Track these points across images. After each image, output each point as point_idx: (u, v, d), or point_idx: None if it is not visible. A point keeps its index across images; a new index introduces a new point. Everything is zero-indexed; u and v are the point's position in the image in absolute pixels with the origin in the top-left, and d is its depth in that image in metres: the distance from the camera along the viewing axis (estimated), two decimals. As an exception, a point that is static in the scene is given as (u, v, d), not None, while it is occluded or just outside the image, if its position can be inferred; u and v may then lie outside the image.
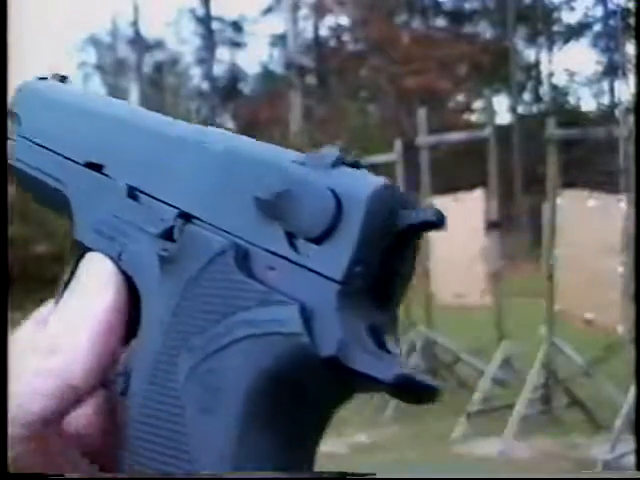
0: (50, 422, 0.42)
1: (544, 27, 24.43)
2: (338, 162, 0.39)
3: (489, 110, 8.28)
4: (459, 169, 15.89)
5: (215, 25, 26.78)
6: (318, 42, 25.57)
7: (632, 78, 5.65)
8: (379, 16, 23.38)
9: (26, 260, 11.43)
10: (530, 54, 25.32)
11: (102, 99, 0.53)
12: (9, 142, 0.55)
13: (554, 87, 24.54)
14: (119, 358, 0.44)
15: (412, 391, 0.36)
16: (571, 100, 24.76)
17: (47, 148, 0.51)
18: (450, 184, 8.60)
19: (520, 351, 6.71)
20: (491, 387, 6.37)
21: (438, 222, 0.38)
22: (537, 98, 24.82)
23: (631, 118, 5.48)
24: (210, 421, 0.39)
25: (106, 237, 0.47)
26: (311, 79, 25.43)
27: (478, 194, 7.00)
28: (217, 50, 27.05)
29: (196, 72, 27.30)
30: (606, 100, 22.17)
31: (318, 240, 0.38)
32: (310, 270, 0.38)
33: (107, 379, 0.44)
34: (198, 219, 0.43)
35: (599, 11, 23.31)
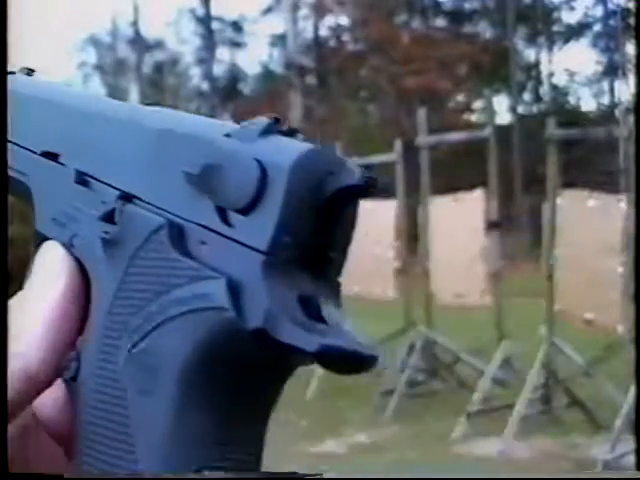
0: (10, 411, 0.42)
1: (544, 27, 24.43)
2: (267, 131, 0.39)
3: (489, 110, 8.28)
4: (459, 169, 15.90)
5: (215, 25, 26.79)
6: (318, 42, 25.57)
7: (632, 78, 5.65)
8: (379, 16, 23.38)
9: (26, 260, 11.45)
10: (530, 54, 25.34)
11: (62, 89, 0.54)
12: None
13: (554, 87, 24.55)
14: (75, 345, 0.44)
15: (340, 362, 0.36)
16: (571, 100, 24.78)
17: (14, 143, 0.52)
18: (450, 184, 8.61)
19: (520, 351, 6.71)
20: (491, 387, 6.37)
21: (362, 185, 0.37)
22: (537, 98, 24.83)
23: (631, 118, 5.48)
24: (148, 402, 0.39)
25: (59, 224, 0.47)
26: (311, 79, 25.43)
27: (478, 194, 7.00)
28: (217, 50, 27.07)
29: (196, 72, 27.33)
30: (606, 100, 22.17)
31: (244, 211, 0.38)
32: (237, 242, 0.38)
33: (63, 366, 0.44)
34: (138, 199, 0.43)
35: (599, 11, 23.32)
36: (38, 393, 0.43)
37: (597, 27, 23.38)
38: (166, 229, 0.40)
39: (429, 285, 7.16)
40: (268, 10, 26.18)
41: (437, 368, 7.32)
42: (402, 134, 10.76)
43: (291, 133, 0.40)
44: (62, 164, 0.48)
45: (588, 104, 24.74)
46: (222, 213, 0.39)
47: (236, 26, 26.78)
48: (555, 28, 24.81)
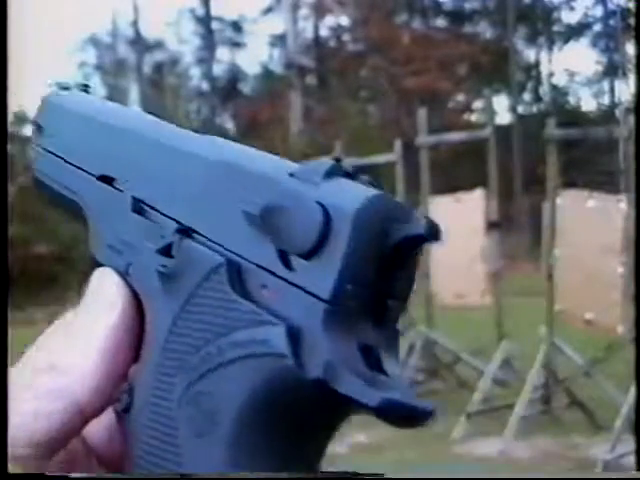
0: (56, 442, 0.42)
1: (544, 27, 24.42)
2: (331, 173, 0.38)
3: (489, 110, 8.27)
4: (459, 169, 15.89)
5: (215, 25, 26.79)
6: (318, 42, 25.56)
7: (632, 78, 5.64)
8: (379, 16, 23.38)
9: (26, 260, 11.44)
10: (530, 54, 25.33)
11: (120, 110, 0.53)
12: (32, 150, 0.55)
13: (554, 87, 24.54)
14: (128, 375, 0.43)
15: (400, 416, 0.35)
16: (571, 100, 24.76)
17: (65, 160, 0.51)
18: (450, 184, 8.61)
19: (520, 351, 6.71)
20: (491, 387, 6.37)
21: (431, 235, 0.36)
22: (537, 98, 24.83)
23: (631, 118, 5.47)
24: (203, 443, 0.39)
25: (116, 252, 0.46)
26: (311, 79, 25.43)
27: (478, 194, 7.00)
28: (217, 50, 27.06)
29: (196, 72, 27.32)
30: (606, 100, 22.15)
31: (307, 256, 0.37)
32: (299, 288, 0.37)
33: (115, 397, 0.43)
34: (196, 232, 0.42)
35: (599, 11, 23.30)
36: (88, 422, 0.43)
37: (597, 27, 23.37)
38: (225, 268, 0.40)
39: (429, 285, 7.16)
40: (268, 10, 26.18)
41: (437, 368, 7.31)
42: (402, 134, 10.76)
43: (354, 175, 0.39)
44: (119, 190, 0.47)
45: (588, 104, 24.73)
46: (283, 256, 0.38)
47: (236, 26, 26.78)
48: (555, 28, 24.81)
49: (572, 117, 19.61)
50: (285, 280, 0.38)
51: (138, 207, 0.46)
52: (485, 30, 25.94)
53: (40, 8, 22.46)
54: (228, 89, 26.37)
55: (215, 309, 0.39)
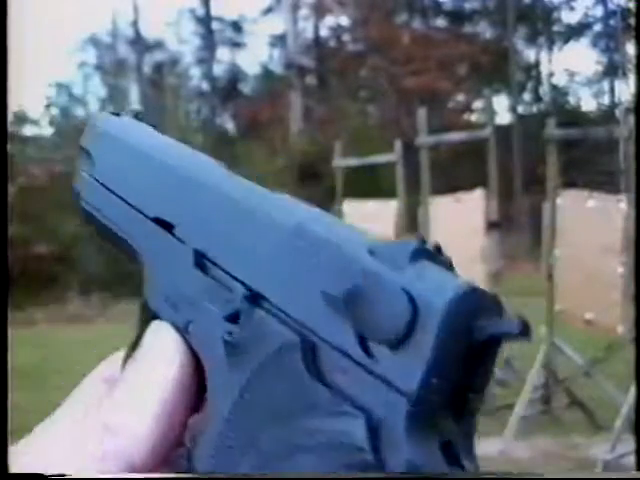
0: None
1: (544, 27, 24.42)
2: (416, 256, 0.36)
3: (489, 110, 8.28)
4: (459, 169, 15.89)
5: (215, 25, 26.78)
6: (318, 42, 25.56)
7: (632, 78, 5.64)
8: (379, 16, 23.38)
9: (26, 260, 11.44)
10: (530, 54, 25.33)
11: (176, 147, 0.50)
12: (79, 175, 0.52)
13: (554, 87, 24.54)
14: (184, 433, 0.42)
15: None
16: (571, 100, 24.76)
17: (119, 196, 0.49)
18: (450, 184, 8.60)
19: (520, 351, 6.71)
20: (491, 387, 6.37)
21: (522, 333, 0.35)
22: (537, 98, 24.82)
23: (631, 118, 5.47)
24: None
25: (173, 305, 0.44)
26: (311, 79, 25.42)
27: (478, 194, 7.00)
28: (217, 50, 27.05)
29: (196, 72, 27.31)
30: (606, 100, 22.16)
31: (391, 346, 0.35)
32: (381, 379, 0.36)
33: (171, 455, 0.41)
34: (266, 300, 0.40)
35: (599, 11, 23.29)
36: None
37: (597, 27, 23.37)
38: (300, 348, 0.38)
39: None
40: (268, 10, 26.18)
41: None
42: (402, 134, 10.76)
43: (436, 255, 0.37)
44: (180, 240, 0.45)
45: (588, 104, 24.72)
46: (363, 342, 0.36)
47: (236, 26, 26.78)
48: (555, 28, 24.80)
49: (572, 117, 19.61)
50: (364, 368, 0.36)
51: (201, 262, 0.43)
52: (485, 30, 25.93)
53: (40, 8, 22.43)
54: (228, 89, 26.37)
55: (286, 388, 0.38)
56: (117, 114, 0.53)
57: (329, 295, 0.37)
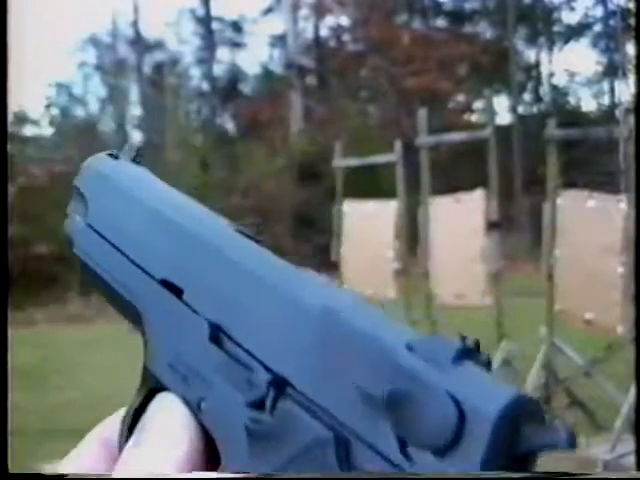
0: None
1: (544, 27, 24.42)
2: (459, 357, 0.34)
3: (489, 110, 8.27)
4: (459, 169, 15.89)
5: (215, 25, 26.78)
6: (318, 42, 25.56)
7: (632, 78, 5.64)
8: (379, 16, 23.38)
9: (26, 260, 11.44)
10: (530, 54, 25.33)
11: (178, 199, 0.46)
12: (70, 218, 0.50)
13: (554, 87, 24.54)
14: None
15: None
16: (571, 100, 24.76)
17: (120, 250, 0.45)
18: (450, 184, 8.61)
19: (520, 351, 6.71)
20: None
21: (569, 445, 0.34)
22: (537, 98, 24.82)
23: (631, 118, 5.47)
24: None
25: (182, 377, 0.41)
26: (311, 79, 25.42)
27: (478, 194, 7.00)
28: (217, 50, 27.05)
29: (196, 72, 27.31)
30: (606, 100, 22.15)
31: (435, 452, 0.33)
32: None
33: None
34: (293, 388, 0.37)
35: (599, 11, 23.27)
36: None
37: (597, 27, 23.35)
38: (334, 444, 0.35)
39: (429, 285, 7.16)
40: (268, 10, 26.18)
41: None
42: (402, 134, 10.76)
43: (477, 355, 0.35)
44: (190, 307, 0.41)
45: (588, 104, 24.71)
46: (402, 443, 0.34)
47: (236, 26, 26.77)
48: (555, 28, 24.80)
49: (572, 117, 19.62)
50: (401, 470, 0.34)
51: (216, 336, 0.40)
52: (485, 30, 25.93)
53: (40, 8, 22.43)
54: (228, 89, 26.37)
55: None
56: (116, 156, 0.49)
57: (367, 393, 0.35)
